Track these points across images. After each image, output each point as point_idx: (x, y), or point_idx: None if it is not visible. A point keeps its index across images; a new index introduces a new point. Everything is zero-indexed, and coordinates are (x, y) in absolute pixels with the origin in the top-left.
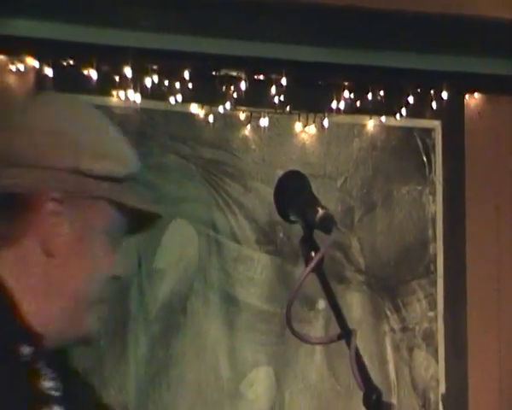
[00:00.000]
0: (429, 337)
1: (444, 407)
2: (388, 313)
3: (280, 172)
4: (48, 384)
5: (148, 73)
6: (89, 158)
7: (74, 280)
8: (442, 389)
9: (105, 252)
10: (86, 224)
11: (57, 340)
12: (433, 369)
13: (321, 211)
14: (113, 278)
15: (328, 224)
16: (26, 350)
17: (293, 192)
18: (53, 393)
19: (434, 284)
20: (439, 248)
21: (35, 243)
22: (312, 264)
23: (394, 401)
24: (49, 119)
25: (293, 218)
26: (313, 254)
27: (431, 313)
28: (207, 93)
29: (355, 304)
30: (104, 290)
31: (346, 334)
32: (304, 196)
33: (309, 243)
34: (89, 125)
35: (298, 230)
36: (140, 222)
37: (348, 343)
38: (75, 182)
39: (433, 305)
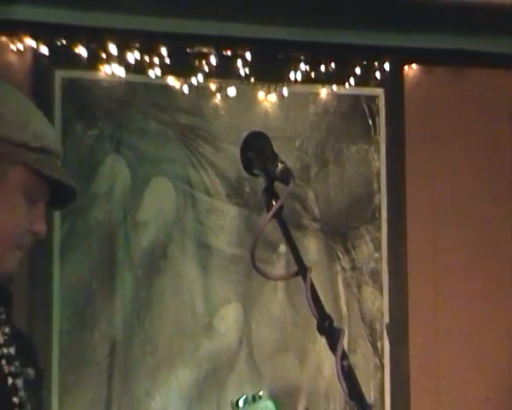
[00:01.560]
0: (375, 275)
1: (388, 335)
2: (340, 254)
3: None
4: None
5: (131, 50)
6: (7, 127)
7: None
8: (386, 319)
9: (24, 211)
10: (7, 184)
11: None
12: (378, 303)
13: (280, 165)
14: (33, 234)
15: (286, 176)
16: None
17: (256, 149)
18: None
19: (379, 229)
20: (382, 198)
21: None
22: (273, 210)
23: (345, 331)
24: None
25: (256, 172)
26: (274, 202)
27: (376, 255)
28: (182, 67)
29: (311, 248)
30: (23, 241)
31: (303, 270)
32: (265, 153)
33: (270, 193)
34: (12, 104)
35: (262, 185)
36: (62, 197)
37: (304, 278)
38: None
39: (378, 247)
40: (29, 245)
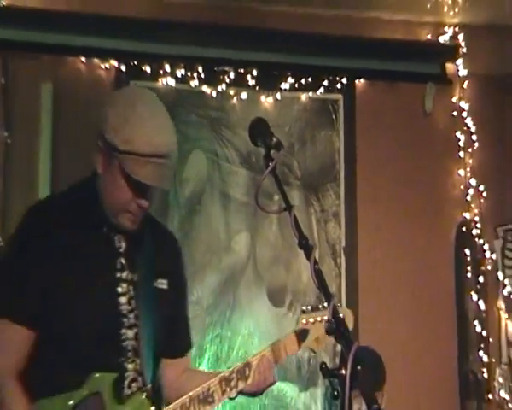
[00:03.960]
0: (336, 215)
1: (344, 254)
2: (313, 202)
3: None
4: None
5: (179, 68)
6: (107, 129)
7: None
8: (343, 243)
9: (127, 189)
10: (113, 169)
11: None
12: (338, 233)
13: (274, 139)
14: (138, 205)
15: (278, 145)
16: (105, 228)
17: (259, 128)
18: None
19: (339, 185)
20: (341, 165)
21: None
22: (270, 167)
23: (317, 251)
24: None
25: (259, 143)
26: (270, 163)
27: (337, 202)
28: (212, 79)
29: (295, 197)
30: (130, 208)
31: (289, 207)
32: (265, 131)
33: (268, 157)
34: (118, 109)
35: (263, 154)
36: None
37: (289, 212)
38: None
39: (338, 197)
40: (137, 211)
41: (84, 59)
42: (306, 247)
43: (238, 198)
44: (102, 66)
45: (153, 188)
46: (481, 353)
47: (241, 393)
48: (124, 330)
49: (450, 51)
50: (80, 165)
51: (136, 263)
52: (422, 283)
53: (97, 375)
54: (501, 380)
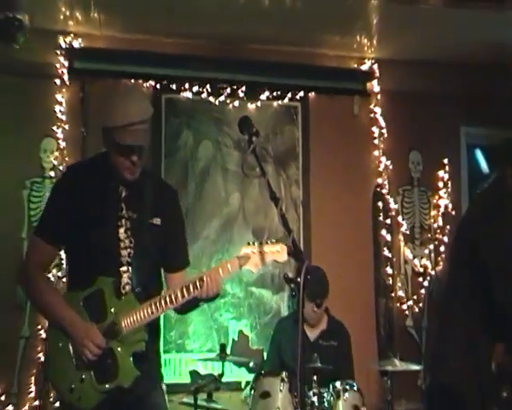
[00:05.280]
0: (297, 181)
1: (302, 205)
2: (282, 173)
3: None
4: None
5: (194, 85)
6: (103, 117)
7: None
8: (301, 198)
9: (121, 155)
10: (111, 143)
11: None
12: (298, 193)
13: (255, 129)
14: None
15: (257, 134)
16: (113, 181)
17: (245, 122)
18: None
19: (298, 161)
20: (299, 149)
21: None
22: (251, 148)
23: (283, 205)
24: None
25: (244, 132)
26: (252, 145)
27: (297, 172)
28: (215, 93)
29: (270, 170)
30: (128, 163)
31: (264, 174)
32: (249, 124)
33: (250, 142)
34: (107, 100)
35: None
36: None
37: (264, 177)
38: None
39: (297, 170)
40: (132, 166)
41: (132, 80)
42: (275, 200)
43: (233, 169)
44: (144, 85)
45: (135, 147)
46: (388, 267)
47: (196, 299)
48: (121, 250)
49: (369, 75)
50: None
51: (135, 206)
52: (352, 223)
53: (101, 277)
54: (400, 285)
